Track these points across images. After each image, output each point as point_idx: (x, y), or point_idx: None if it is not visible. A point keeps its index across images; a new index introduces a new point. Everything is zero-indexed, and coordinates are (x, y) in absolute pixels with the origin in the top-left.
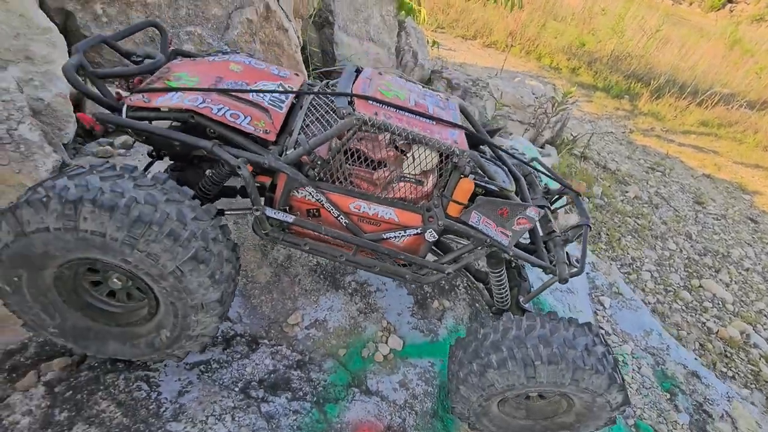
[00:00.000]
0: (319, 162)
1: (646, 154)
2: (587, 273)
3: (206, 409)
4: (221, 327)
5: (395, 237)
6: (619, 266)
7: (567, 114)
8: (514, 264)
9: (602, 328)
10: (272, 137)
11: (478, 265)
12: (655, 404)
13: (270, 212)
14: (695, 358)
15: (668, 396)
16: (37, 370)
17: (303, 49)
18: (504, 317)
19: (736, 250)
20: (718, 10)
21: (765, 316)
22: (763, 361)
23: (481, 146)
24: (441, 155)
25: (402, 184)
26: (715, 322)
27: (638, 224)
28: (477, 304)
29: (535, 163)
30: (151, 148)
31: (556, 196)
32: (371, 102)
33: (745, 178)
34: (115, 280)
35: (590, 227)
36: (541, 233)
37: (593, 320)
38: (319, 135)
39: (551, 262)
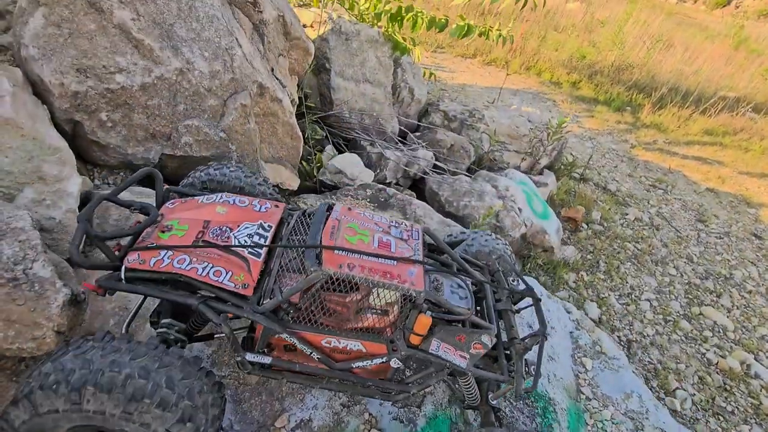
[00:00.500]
0: (291, 309)
1: (647, 170)
2: (570, 332)
3: None
4: None
5: (364, 364)
6: (617, 296)
7: (564, 141)
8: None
9: (583, 393)
10: (249, 292)
11: None
12: None
13: (250, 356)
14: (677, 420)
15: None
16: None
17: (303, 100)
18: None
19: (739, 271)
20: (724, 6)
21: (767, 342)
22: (764, 392)
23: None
24: (408, 298)
25: (369, 315)
26: (715, 352)
27: (638, 249)
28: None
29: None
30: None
31: (521, 298)
32: (337, 253)
33: (750, 190)
34: None
35: (546, 337)
36: (504, 338)
37: (574, 385)
38: (291, 285)
39: (510, 373)
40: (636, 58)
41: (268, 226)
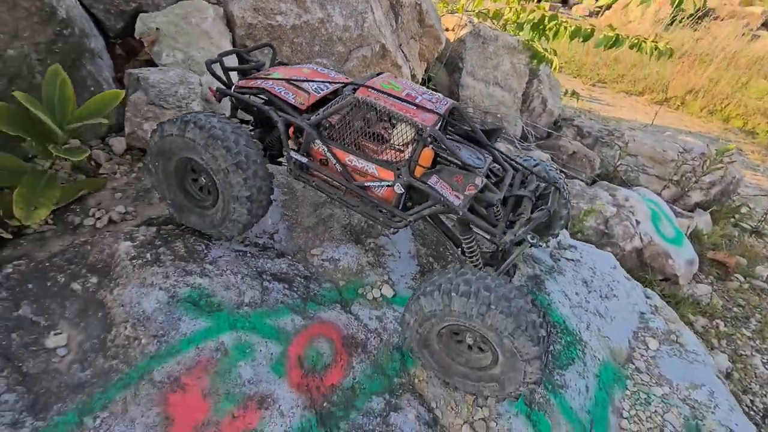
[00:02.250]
0: (327, 125)
1: None
2: (641, 312)
3: (228, 268)
4: (264, 241)
5: (375, 186)
6: (764, 360)
7: (734, 178)
8: (501, 249)
9: (633, 364)
10: (304, 107)
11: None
12: None
13: (294, 154)
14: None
15: None
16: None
17: (423, 84)
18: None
19: None
20: None
21: None
22: None
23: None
24: (418, 132)
25: (390, 150)
26: None
27: None
28: None
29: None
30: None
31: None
32: (369, 89)
33: None
34: (202, 179)
35: (559, 189)
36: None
37: (624, 352)
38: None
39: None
40: None
41: (335, 83)
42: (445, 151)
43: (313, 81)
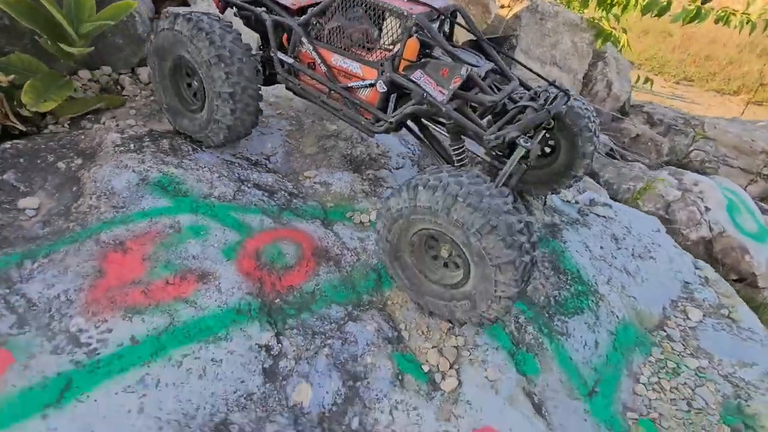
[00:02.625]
0: (316, 23)
1: None
2: (686, 282)
3: (207, 167)
4: (258, 158)
5: (359, 88)
6: None
7: None
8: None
9: (665, 332)
10: (295, 8)
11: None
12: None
13: (280, 54)
14: None
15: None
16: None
17: None
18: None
19: None
20: None
21: None
22: None
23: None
24: (402, 20)
25: (378, 51)
26: None
27: None
28: None
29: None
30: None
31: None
32: None
33: None
34: (194, 82)
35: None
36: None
37: (655, 318)
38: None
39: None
40: None
41: None
42: (436, 42)
43: None
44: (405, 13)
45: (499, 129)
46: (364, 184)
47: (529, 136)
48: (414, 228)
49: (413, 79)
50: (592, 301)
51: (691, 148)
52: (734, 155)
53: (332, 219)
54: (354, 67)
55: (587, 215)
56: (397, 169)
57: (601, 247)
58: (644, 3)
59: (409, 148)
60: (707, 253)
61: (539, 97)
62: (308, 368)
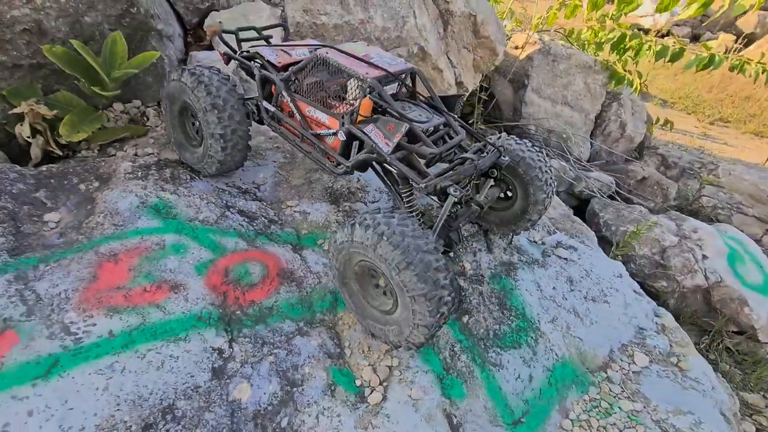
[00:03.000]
0: (293, 79)
1: None
2: (640, 328)
3: (198, 194)
4: (248, 187)
5: (326, 135)
6: None
7: None
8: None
9: (606, 374)
10: (280, 66)
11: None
12: None
13: (264, 103)
14: None
15: None
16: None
17: (472, 95)
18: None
19: None
20: None
21: None
22: None
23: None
24: (363, 90)
25: (344, 105)
26: None
27: None
28: None
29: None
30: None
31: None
32: (332, 49)
33: None
34: (197, 122)
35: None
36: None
37: (599, 360)
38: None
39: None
40: None
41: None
42: (385, 103)
43: (303, 46)
44: (361, 77)
45: (437, 176)
46: (339, 215)
47: (465, 186)
48: (354, 259)
49: (365, 132)
50: (531, 337)
51: (701, 193)
52: (749, 203)
53: (304, 244)
54: (323, 117)
55: (549, 256)
56: (373, 203)
57: (554, 288)
58: (657, 49)
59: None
60: (705, 302)
61: (485, 150)
62: (251, 371)
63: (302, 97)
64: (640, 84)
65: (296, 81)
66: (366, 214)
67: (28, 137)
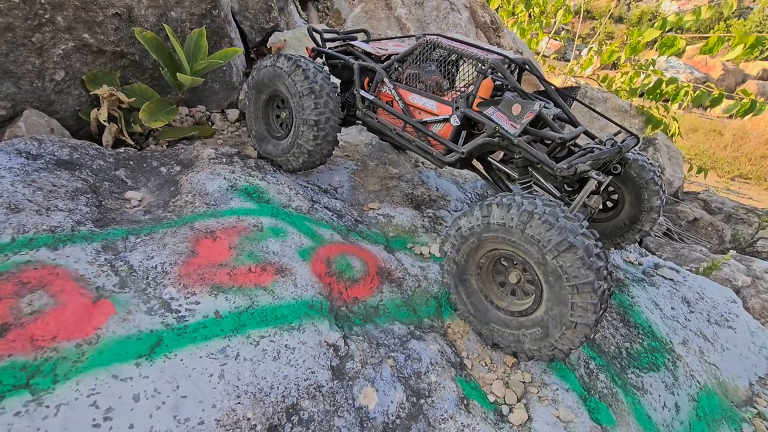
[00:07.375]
0: (396, 68)
1: None
2: None
3: (286, 183)
4: (327, 188)
5: (433, 122)
6: None
7: None
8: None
9: (756, 408)
10: (379, 56)
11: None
12: None
13: (362, 92)
14: None
15: None
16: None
17: None
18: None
19: None
20: None
21: None
22: None
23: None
24: (479, 64)
25: (452, 92)
26: None
27: None
28: None
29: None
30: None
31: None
32: (439, 36)
33: None
34: (283, 113)
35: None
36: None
37: (740, 391)
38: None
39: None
40: None
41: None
42: (507, 84)
43: (397, 40)
44: (482, 58)
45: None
46: (425, 221)
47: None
48: (484, 248)
49: (487, 114)
50: (668, 359)
51: (758, 236)
52: None
53: (394, 247)
54: (430, 104)
55: (653, 276)
56: (456, 211)
57: (672, 308)
58: (694, 95)
59: (467, 195)
60: None
61: (605, 144)
62: (374, 374)
63: (404, 85)
64: (678, 128)
65: (397, 70)
66: (500, 197)
67: (105, 121)
